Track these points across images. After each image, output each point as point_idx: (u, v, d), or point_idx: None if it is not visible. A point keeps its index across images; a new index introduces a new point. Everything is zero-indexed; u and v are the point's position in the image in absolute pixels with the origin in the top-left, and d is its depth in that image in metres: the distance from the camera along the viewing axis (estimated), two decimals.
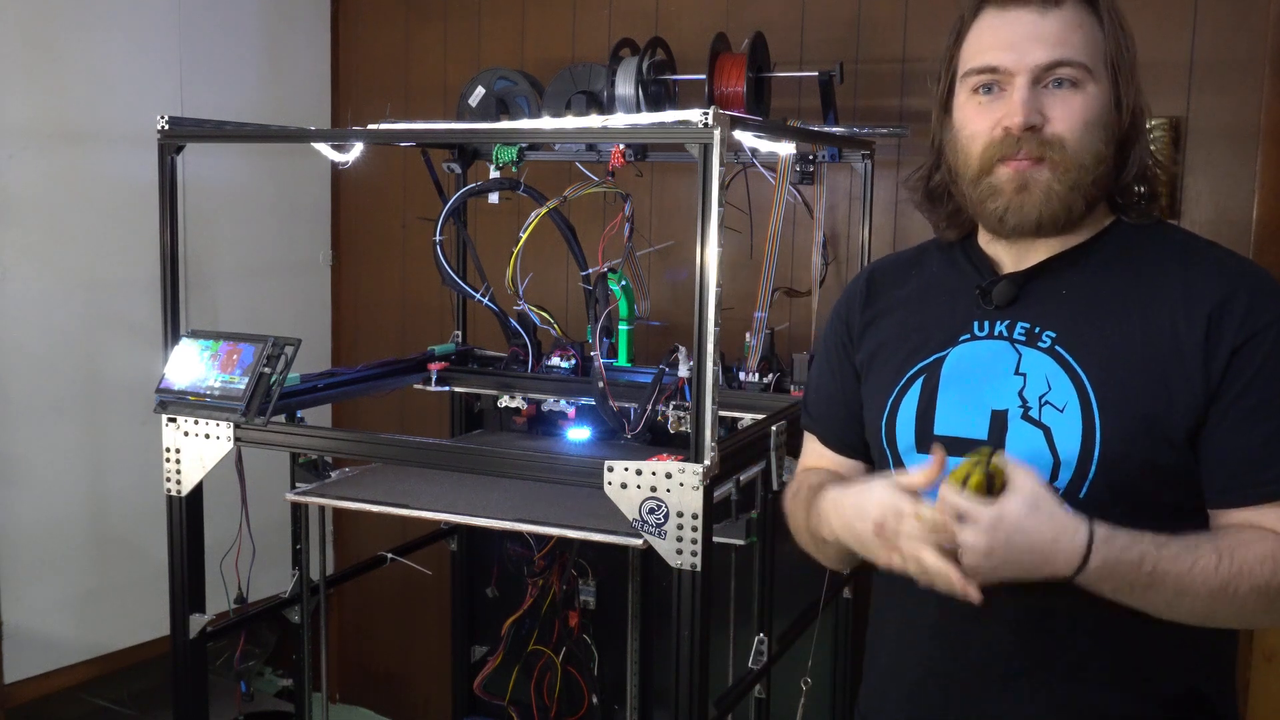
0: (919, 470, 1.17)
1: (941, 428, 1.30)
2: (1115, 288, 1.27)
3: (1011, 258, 1.33)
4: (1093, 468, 1.20)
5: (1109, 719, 1.26)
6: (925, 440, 1.31)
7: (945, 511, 1.11)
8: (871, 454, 1.43)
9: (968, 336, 1.32)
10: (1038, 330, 1.28)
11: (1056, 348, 1.26)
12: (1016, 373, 1.27)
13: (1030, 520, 1.10)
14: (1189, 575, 1.14)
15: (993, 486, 1.12)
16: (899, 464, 1.34)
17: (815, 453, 1.53)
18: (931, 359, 1.33)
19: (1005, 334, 1.29)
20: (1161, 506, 1.23)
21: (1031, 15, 1.24)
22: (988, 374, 1.29)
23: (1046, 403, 1.24)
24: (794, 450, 2.00)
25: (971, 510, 1.10)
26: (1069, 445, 1.22)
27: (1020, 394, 1.26)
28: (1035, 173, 1.24)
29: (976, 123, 1.27)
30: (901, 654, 1.37)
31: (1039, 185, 1.24)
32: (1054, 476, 1.22)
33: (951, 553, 1.12)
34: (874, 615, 1.45)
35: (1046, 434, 1.23)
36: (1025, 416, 1.25)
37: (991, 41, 1.26)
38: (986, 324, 1.31)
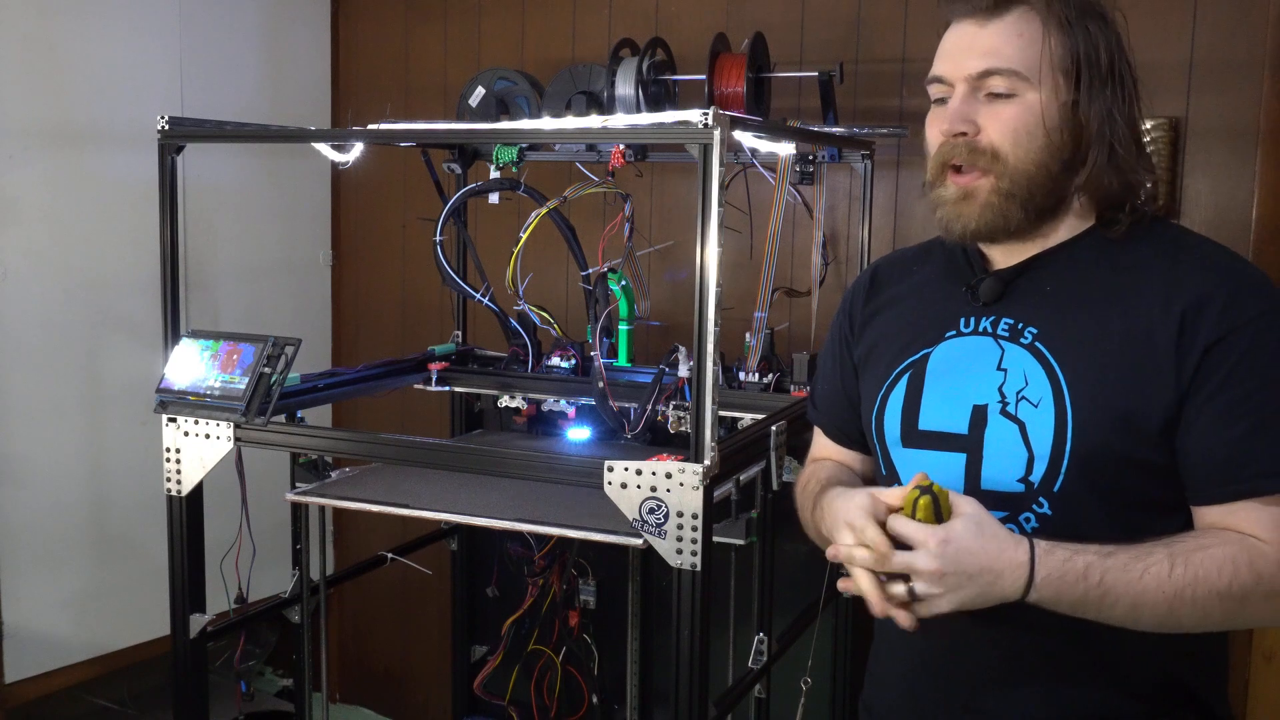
0: (897, 491, 1.20)
1: (926, 422, 1.33)
2: (1099, 284, 1.28)
3: (1002, 256, 1.35)
4: (1065, 462, 1.22)
5: (1092, 713, 1.27)
6: (911, 435, 1.34)
7: (892, 538, 1.16)
8: (872, 450, 1.45)
9: (954, 333, 1.35)
10: (1020, 326, 1.30)
11: (1037, 344, 1.28)
12: (998, 368, 1.29)
13: (977, 541, 1.13)
14: (1140, 583, 1.14)
15: (940, 516, 1.16)
16: (887, 458, 1.37)
17: (822, 444, 1.58)
18: (919, 354, 1.36)
19: (990, 330, 1.32)
20: (1141, 502, 1.24)
21: (972, 26, 1.28)
22: (971, 369, 1.31)
23: (1023, 398, 1.26)
24: (794, 450, 2.00)
25: (920, 534, 1.14)
26: (1042, 440, 1.23)
27: (1000, 389, 1.28)
28: (977, 185, 1.27)
29: (930, 131, 1.32)
30: (898, 649, 1.40)
31: (979, 197, 1.28)
32: (1029, 470, 1.24)
33: (906, 580, 1.16)
34: None
35: (1021, 429, 1.25)
36: (1003, 412, 1.27)
37: (941, 52, 1.31)
38: (973, 320, 1.34)
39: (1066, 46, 1.26)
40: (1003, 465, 1.26)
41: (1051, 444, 1.22)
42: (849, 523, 1.19)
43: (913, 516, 1.16)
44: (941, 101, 1.31)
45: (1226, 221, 2.39)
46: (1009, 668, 1.28)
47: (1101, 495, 1.22)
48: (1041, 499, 1.24)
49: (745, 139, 2.15)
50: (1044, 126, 1.25)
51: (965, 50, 1.27)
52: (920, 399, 1.34)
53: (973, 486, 1.27)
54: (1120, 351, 1.23)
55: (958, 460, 1.29)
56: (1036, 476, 1.23)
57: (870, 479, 1.52)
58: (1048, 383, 1.24)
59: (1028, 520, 1.24)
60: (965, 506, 1.16)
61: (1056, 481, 1.23)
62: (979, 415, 1.28)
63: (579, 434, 2.46)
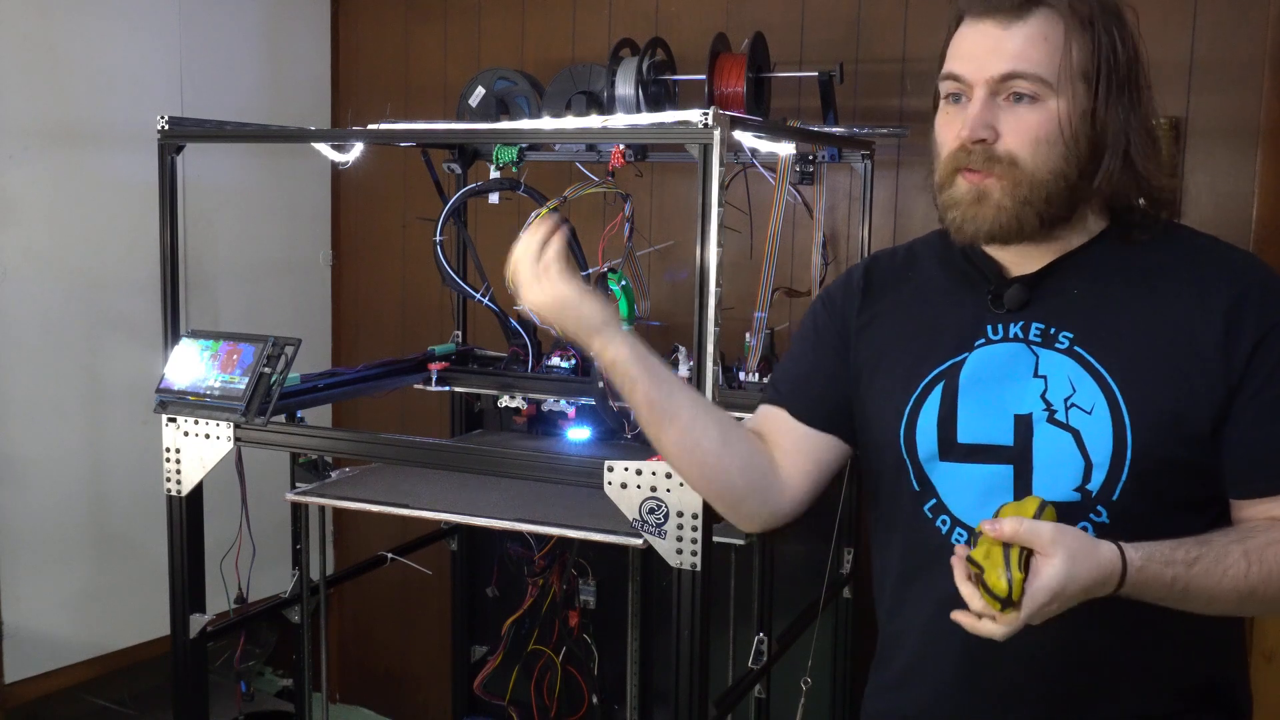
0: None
1: (965, 435, 1.28)
2: (1126, 288, 1.27)
3: (1014, 260, 1.32)
4: (1125, 469, 1.20)
5: (1130, 713, 1.26)
6: (950, 448, 1.29)
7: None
8: (883, 463, 1.38)
9: (983, 341, 1.30)
10: (1053, 331, 1.27)
11: (1076, 348, 1.25)
12: (1036, 375, 1.26)
13: (1073, 586, 1.09)
14: (1219, 586, 1.15)
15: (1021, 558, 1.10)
16: (920, 473, 1.31)
17: (771, 424, 1.45)
18: (947, 364, 1.31)
19: (1020, 336, 1.28)
20: (1187, 502, 1.23)
21: (996, 27, 1.23)
22: (1007, 378, 1.27)
23: (1073, 405, 1.23)
24: None
25: (1031, 602, 1.08)
26: (1101, 447, 1.21)
27: (1043, 396, 1.25)
28: (988, 186, 1.24)
29: (943, 132, 1.28)
30: (922, 659, 1.34)
31: (990, 199, 1.24)
32: (1086, 479, 1.22)
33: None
34: (890, 611, 1.41)
35: (1076, 437, 1.22)
36: (1052, 420, 1.24)
37: (958, 51, 1.26)
38: (1000, 327, 1.30)
39: (1088, 51, 1.23)
40: (1057, 475, 1.23)
41: (1111, 451, 1.20)
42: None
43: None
44: (954, 99, 1.27)
45: (1226, 221, 2.38)
46: (1046, 669, 1.25)
47: (1155, 499, 1.21)
48: (1100, 507, 1.21)
49: (745, 139, 2.15)
50: (1063, 135, 1.22)
51: (987, 51, 1.23)
52: (956, 411, 1.29)
53: (1022, 498, 1.23)
54: (1164, 354, 1.22)
55: (1004, 472, 1.26)
56: (1095, 485, 1.21)
57: (839, 467, 1.45)
58: (1097, 389, 1.22)
59: (1085, 529, 1.20)
60: (1054, 557, 1.08)
61: (1115, 489, 1.20)
62: (1023, 425, 1.25)
63: (579, 434, 2.46)
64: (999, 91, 1.23)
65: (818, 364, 1.44)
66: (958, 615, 1.13)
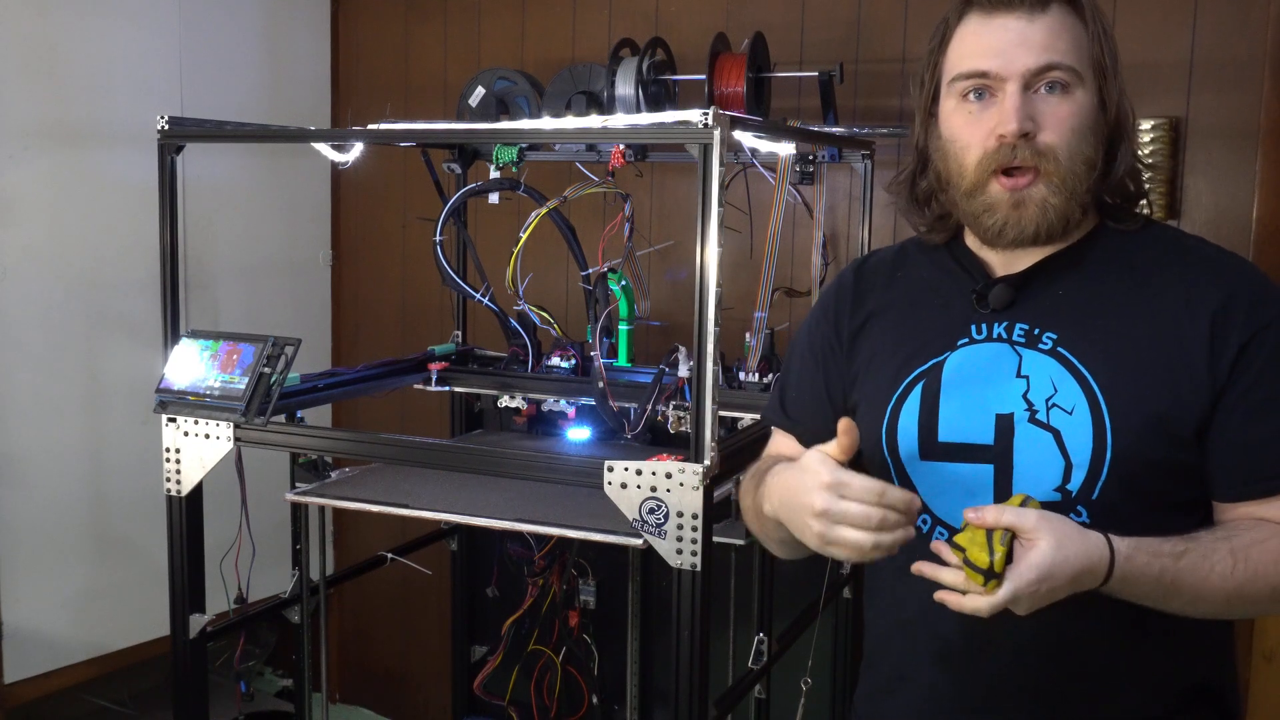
0: (835, 445, 1.16)
1: (946, 434, 1.28)
2: (1113, 288, 1.27)
3: (1001, 260, 1.32)
4: (1105, 469, 1.20)
5: (1120, 715, 1.26)
6: (930, 448, 1.29)
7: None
8: (868, 463, 1.38)
9: (966, 340, 1.30)
10: (1037, 332, 1.27)
11: (1059, 349, 1.25)
12: (1018, 375, 1.26)
13: (1062, 570, 1.09)
14: (1205, 583, 1.15)
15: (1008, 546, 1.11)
16: (901, 473, 1.32)
17: (788, 446, 1.48)
18: (930, 364, 1.31)
19: (1004, 336, 1.28)
20: (1170, 503, 1.23)
21: (1019, 20, 1.23)
22: (989, 378, 1.27)
23: (1054, 405, 1.23)
24: None
25: (1015, 582, 1.08)
26: (1080, 448, 1.21)
27: (1025, 397, 1.25)
28: (1031, 190, 1.24)
29: (968, 133, 1.26)
30: (913, 649, 1.34)
31: (1034, 200, 1.24)
32: (1066, 479, 1.22)
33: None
34: (879, 612, 1.42)
35: (1056, 437, 1.22)
36: (1033, 420, 1.24)
37: (978, 47, 1.25)
38: (984, 327, 1.30)
39: (1099, 43, 1.25)
40: (1037, 475, 1.23)
41: (1091, 452, 1.20)
42: (839, 480, 1.13)
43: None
44: (976, 96, 1.25)
45: (1226, 221, 2.39)
46: (1038, 673, 1.25)
47: (1136, 499, 1.21)
48: (1080, 507, 1.21)
49: (745, 139, 2.15)
50: (1091, 123, 1.24)
51: (1014, 45, 1.22)
52: (937, 410, 1.29)
53: (1002, 498, 1.24)
54: (1149, 355, 1.22)
55: (984, 472, 1.25)
56: (1075, 485, 1.21)
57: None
58: (1079, 389, 1.22)
59: None
60: (1040, 540, 1.09)
61: (1095, 490, 1.20)
62: (1004, 425, 1.25)
63: (579, 434, 2.46)
64: (1032, 84, 1.23)
65: (820, 384, 1.44)
66: (941, 595, 1.13)
